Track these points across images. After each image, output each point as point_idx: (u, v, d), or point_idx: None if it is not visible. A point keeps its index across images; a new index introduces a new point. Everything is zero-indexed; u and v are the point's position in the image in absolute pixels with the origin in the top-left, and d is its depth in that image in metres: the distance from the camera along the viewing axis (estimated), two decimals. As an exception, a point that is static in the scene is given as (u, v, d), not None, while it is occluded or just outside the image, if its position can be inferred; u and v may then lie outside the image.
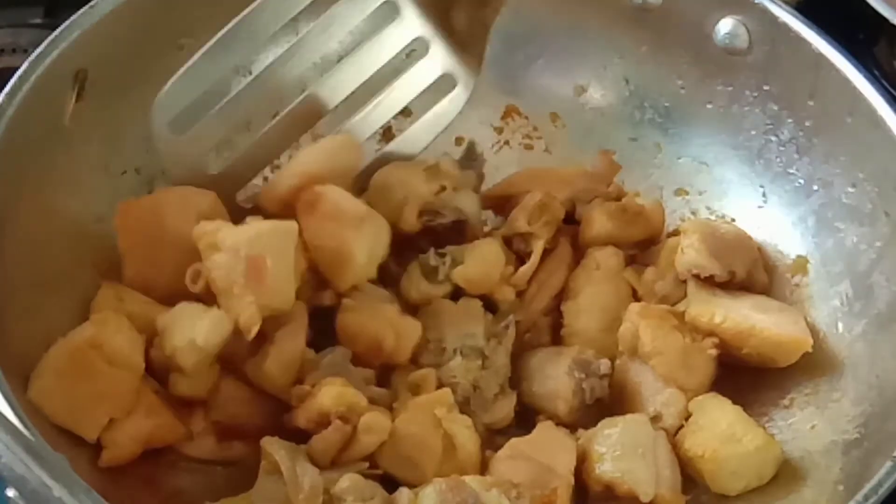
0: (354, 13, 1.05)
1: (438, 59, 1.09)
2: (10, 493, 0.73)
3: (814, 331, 1.04)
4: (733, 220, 1.13)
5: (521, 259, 1.07)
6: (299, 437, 0.93)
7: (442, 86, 1.11)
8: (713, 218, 1.14)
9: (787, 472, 0.98)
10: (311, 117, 1.08)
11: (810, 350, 1.01)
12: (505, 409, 1.01)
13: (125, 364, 0.93)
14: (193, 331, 0.92)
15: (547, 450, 0.96)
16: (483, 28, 1.08)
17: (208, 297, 0.95)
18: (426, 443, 0.94)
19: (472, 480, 0.89)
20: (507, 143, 1.20)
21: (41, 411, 0.88)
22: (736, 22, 1.09)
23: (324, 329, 1.00)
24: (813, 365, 1.03)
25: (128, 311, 0.97)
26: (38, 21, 1.31)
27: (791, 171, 1.10)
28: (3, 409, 0.79)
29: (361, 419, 0.92)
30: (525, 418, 1.01)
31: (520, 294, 1.06)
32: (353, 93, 1.08)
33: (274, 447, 0.90)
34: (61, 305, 0.98)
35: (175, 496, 0.93)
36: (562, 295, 1.07)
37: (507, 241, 1.07)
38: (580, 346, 1.02)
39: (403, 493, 0.90)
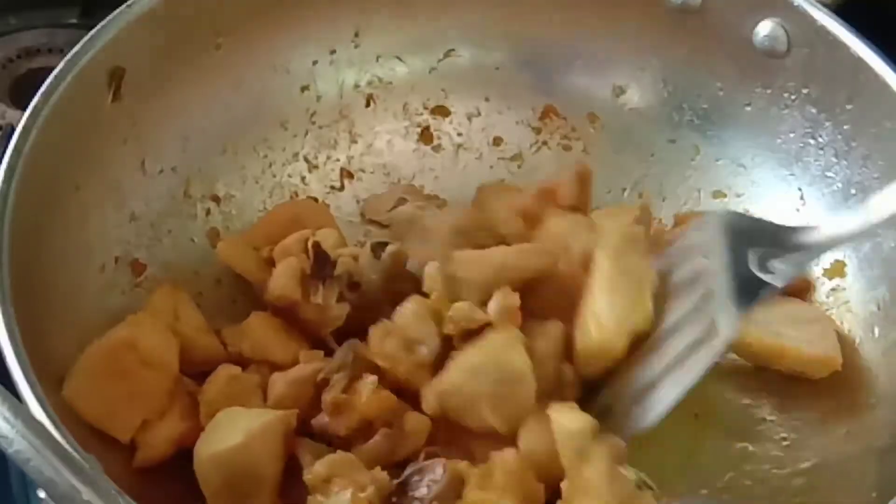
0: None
1: None
2: (42, 493, 0.73)
3: (850, 336, 1.04)
4: (771, 223, 1.13)
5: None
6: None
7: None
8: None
9: (820, 478, 0.98)
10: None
11: (839, 369, 1.00)
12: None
13: (160, 365, 0.94)
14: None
15: None
16: None
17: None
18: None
19: None
20: (545, 143, 1.19)
21: (75, 411, 0.89)
22: (775, 24, 1.08)
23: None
24: (849, 370, 1.02)
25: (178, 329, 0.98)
26: (73, 21, 1.32)
27: (829, 174, 1.09)
28: (34, 411, 0.79)
29: (406, 421, 0.92)
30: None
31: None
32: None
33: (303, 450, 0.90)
34: (97, 307, 0.98)
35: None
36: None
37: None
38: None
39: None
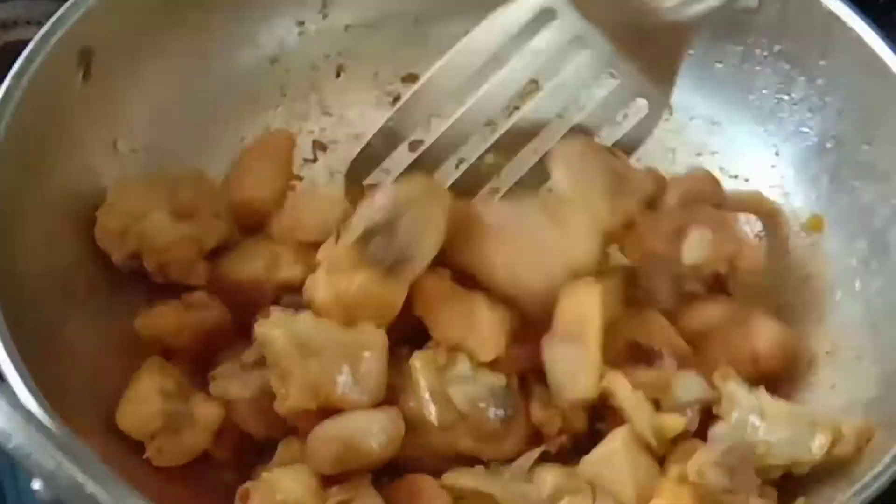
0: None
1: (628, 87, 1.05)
2: (36, 485, 0.73)
3: (831, 289, 1.05)
4: (747, 179, 1.13)
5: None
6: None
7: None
8: (727, 178, 1.13)
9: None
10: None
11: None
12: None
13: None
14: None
15: None
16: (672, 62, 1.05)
17: None
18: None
19: None
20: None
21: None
22: (745, -21, 1.08)
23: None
24: (831, 324, 1.03)
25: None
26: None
27: (804, 129, 1.09)
28: (28, 404, 0.79)
29: None
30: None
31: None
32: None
33: None
34: (74, 290, 0.97)
35: (210, 490, 0.93)
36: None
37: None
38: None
39: None
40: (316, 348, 0.91)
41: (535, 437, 0.95)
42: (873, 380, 0.97)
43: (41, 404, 0.79)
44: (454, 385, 0.92)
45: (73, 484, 0.68)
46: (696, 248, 0.99)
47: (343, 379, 0.90)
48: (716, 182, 1.08)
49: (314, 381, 0.90)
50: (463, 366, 0.93)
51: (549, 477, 0.91)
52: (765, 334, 1.00)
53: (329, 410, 0.91)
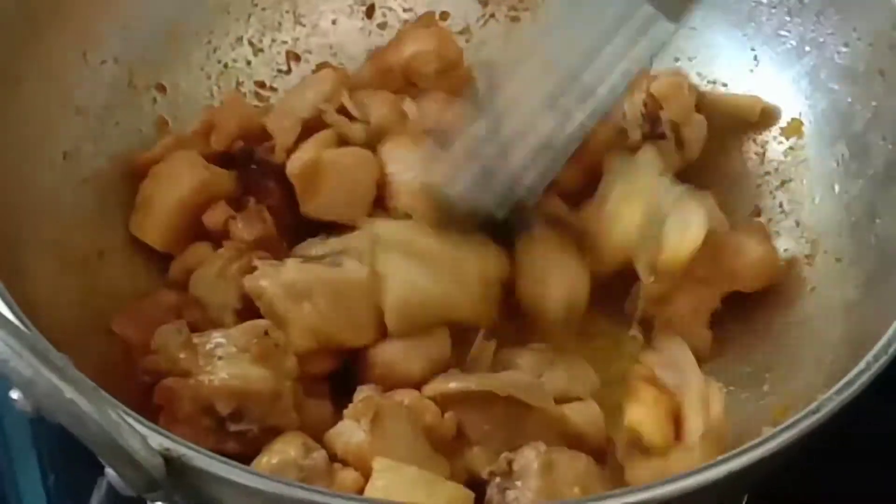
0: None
1: None
2: (14, 394, 0.72)
3: (811, 193, 1.04)
4: (725, 84, 1.12)
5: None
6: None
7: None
8: (704, 83, 1.12)
9: (788, 335, 0.99)
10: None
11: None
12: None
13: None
14: None
15: None
16: None
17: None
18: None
19: None
20: (492, 16, 1.17)
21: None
22: None
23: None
24: (810, 226, 1.03)
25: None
26: None
27: (782, 32, 1.08)
28: (3, 311, 0.78)
29: None
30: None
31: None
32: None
33: None
34: (48, 205, 0.96)
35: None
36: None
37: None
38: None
39: None
40: (307, 292, 0.92)
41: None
42: (853, 282, 0.97)
43: (16, 313, 0.78)
44: None
45: (51, 390, 0.67)
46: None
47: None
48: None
49: (311, 324, 0.91)
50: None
51: (521, 361, 0.94)
52: (748, 255, 1.00)
53: (335, 349, 0.93)
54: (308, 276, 0.93)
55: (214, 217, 1.00)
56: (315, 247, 0.97)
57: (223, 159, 1.03)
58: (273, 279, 0.92)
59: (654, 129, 1.04)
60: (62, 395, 0.67)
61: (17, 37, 0.96)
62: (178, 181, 1.00)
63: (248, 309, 0.93)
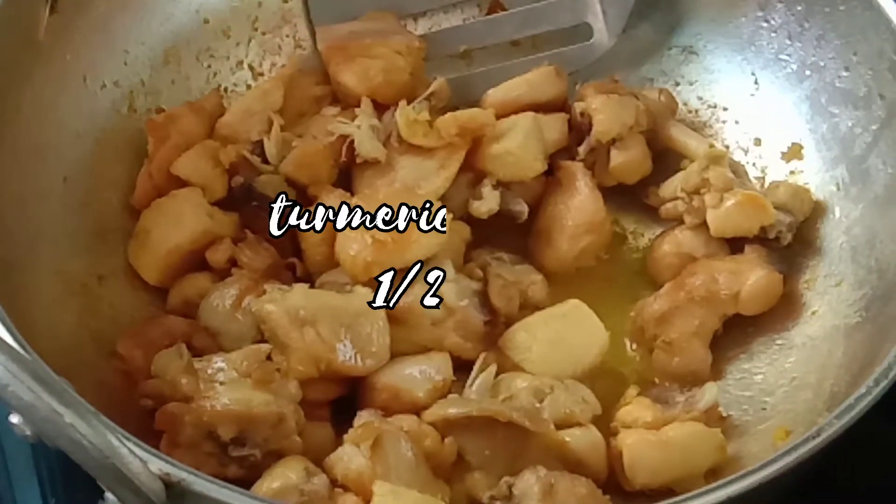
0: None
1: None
2: (14, 419, 0.72)
3: (811, 216, 1.04)
4: (725, 108, 1.12)
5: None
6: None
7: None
8: (705, 107, 1.12)
9: (788, 359, 0.99)
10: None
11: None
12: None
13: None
14: None
15: None
16: None
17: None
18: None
19: None
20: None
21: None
22: None
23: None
24: (812, 250, 1.03)
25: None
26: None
27: (783, 56, 1.09)
28: (3, 335, 0.78)
29: None
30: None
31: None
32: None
33: None
34: (47, 221, 0.96)
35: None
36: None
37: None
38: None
39: None
40: (311, 318, 0.91)
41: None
42: (853, 306, 0.97)
43: (16, 337, 0.78)
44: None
45: (51, 414, 0.67)
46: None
47: (343, 347, 0.92)
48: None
49: (312, 352, 0.91)
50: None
51: (519, 383, 0.94)
52: (749, 278, 1.00)
53: (336, 377, 0.93)
54: (314, 303, 0.93)
55: (218, 255, 0.99)
56: (340, 275, 0.98)
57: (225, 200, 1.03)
58: (279, 304, 0.92)
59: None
60: (62, 420, 0.67)
61: (17, 64, 0.96)
62: (180, 225, 1.00)
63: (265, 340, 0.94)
